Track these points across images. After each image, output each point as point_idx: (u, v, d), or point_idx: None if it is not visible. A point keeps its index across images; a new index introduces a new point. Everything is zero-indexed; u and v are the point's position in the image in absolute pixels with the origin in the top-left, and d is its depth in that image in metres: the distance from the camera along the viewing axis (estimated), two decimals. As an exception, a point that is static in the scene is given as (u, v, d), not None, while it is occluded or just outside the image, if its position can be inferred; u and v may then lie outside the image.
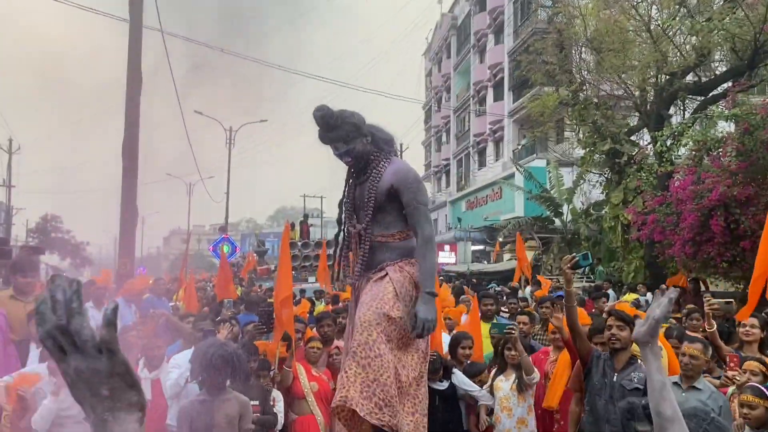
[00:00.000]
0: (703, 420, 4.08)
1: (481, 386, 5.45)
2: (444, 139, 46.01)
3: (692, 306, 7.85)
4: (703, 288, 11.82)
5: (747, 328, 5.08)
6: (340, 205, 3.34)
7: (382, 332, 2.82)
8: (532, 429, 5.23)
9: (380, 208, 3.08)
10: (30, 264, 5.73)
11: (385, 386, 2.73)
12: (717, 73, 16.12)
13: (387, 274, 3.01)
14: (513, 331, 5.17)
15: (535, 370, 5.24)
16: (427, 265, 2.97)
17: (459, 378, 5.46)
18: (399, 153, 32.69)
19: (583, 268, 17.26)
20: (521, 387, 5.20)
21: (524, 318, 6.89)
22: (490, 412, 5.39)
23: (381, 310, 2.86)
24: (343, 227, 3.30)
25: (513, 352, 5.24)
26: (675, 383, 4.27)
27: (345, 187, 3.27)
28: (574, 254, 4.45)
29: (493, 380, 5.39)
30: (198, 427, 3.91)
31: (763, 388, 3.68)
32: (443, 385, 5.38)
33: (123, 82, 11.15)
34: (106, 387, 0.94)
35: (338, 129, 3.02)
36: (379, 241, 3.09)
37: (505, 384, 5.26)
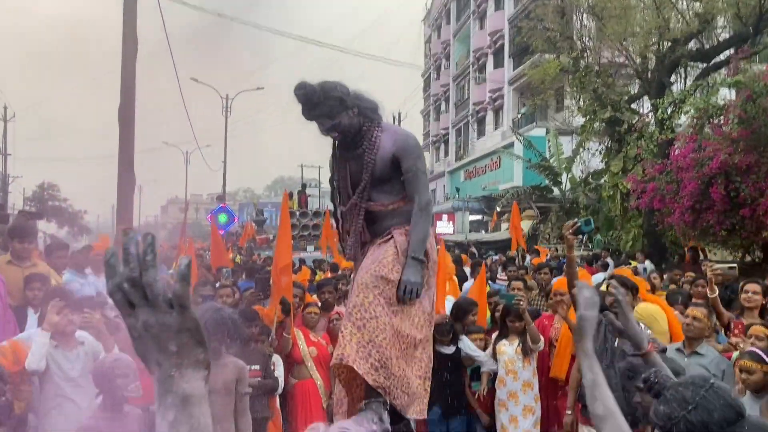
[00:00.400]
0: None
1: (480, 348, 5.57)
2: (443, 107, 45.70)
3: (693, 274, 7.87)
4: (702, 256, 11.86)
5: (749, 294, 5.08)
6: (331, 182, 3.28)
7: (379, 294, 2.80)
8: (536, 392, 5.30)
9: (381, 178, 3.03)
10: (28, 229, 5.68)
11: (381, 347, 2.72)
12: (720, 39, 15.92)
13: (392, 237, 2.99)
14: (521, 303, 5.21)
15: (541, 338, 5.30)
16: (419, 232, 2.94)
17: (465, 343, 5.58)
18: (397, 122, 32.47)
19: (584, 235, 17.27)
20: (526, 351, 5.27)
21: (519, 284, 7.07)
22: (492, 378, 5.48)
23: (379, 272, 2.83)
24: (338, 204, 3.23)
25: (517, 323, 5.30)
26: (678, 349, 4.29)
27: (333, 162, 3.19)
28: (576, 220, 4.41)
29: (495, 344, 5.46)
30: None
31: (761, 353, 3.68)
32: (450, 350, 5.52)
33: (118, 48, 11.01)
34: (174, 342, 0.92)
35: (321, 105, 2.92)
36: (384, 208, 3.06)
37: (509, 348, 5.34)
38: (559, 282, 6.28)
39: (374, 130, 3.02)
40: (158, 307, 0.91)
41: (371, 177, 3.01)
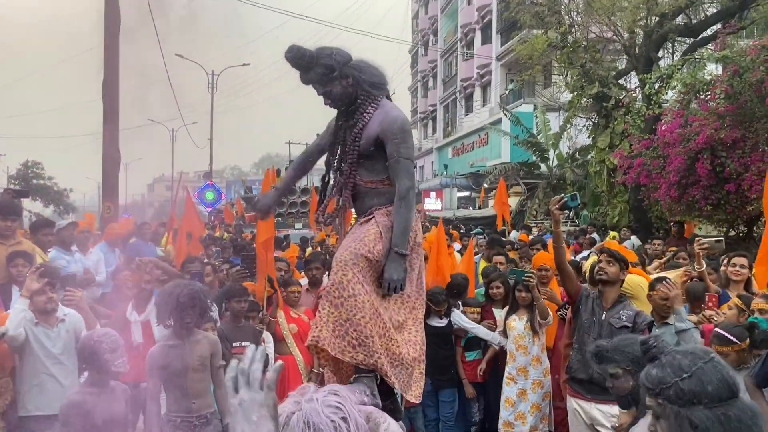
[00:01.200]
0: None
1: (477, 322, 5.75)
2: (431, 84, 45.47)
3: (675, 248, 7.95)
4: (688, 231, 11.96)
5: (737, 268, 5.13)
6: (328, 148, 3.18)
7: (358, 273, 2.73)
8: (546, 366, 5.40)
9: (368, 155, 2.95)
10: (12, 207, 5.61)
11: (359, 326, 2.67)
12: (707, 14, 15.91)
13: (374, 217, 2.92)
14: (531, 279, 5.29)
15: (550, 313, 5.38)
16: (400, 221, 2.84)
17: (457, 316, 5.70)
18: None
19: (571, 210, 17.40)
20: (534, 326, 5.37)
21: (500, 258, 7.28)
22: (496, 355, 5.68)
23: (359, 251, 2.77)
24: (328, 171, 3.17)
25: (524, 294, 5.40)
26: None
27: (335, 129, 3.11)
28: (563, 195, 4.44)
29: (505, 320, 5.58)
30: (173, 371, 3.91)
31: (726, 334, 3.64)
32: (442, 323, 5.66)
33: (101, 23, 10.81)
34: (256, 414, 1.26)
35: (311, 71, 2.86)
36: (368, 186, 2.98)
37: (518, 323, 5.44)
38: (540, 255, 6.38)
39: (368, 106, 2.92)
40: (253, 387, 1.28)
41: (357, 153, 2.96)
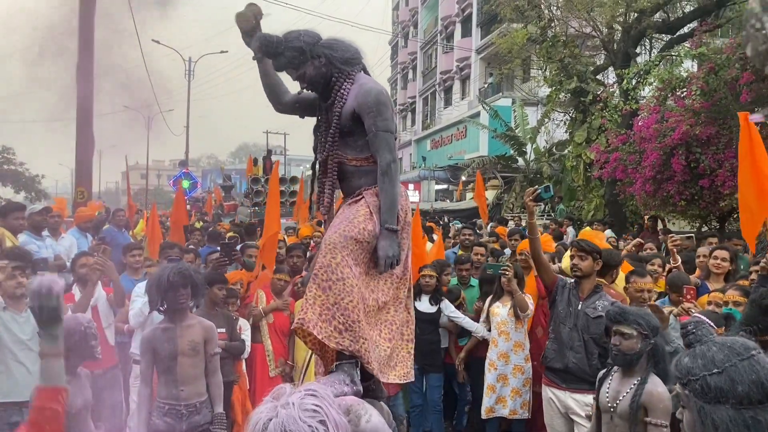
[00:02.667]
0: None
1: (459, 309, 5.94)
2: (410, 76, 45.41)
3: (652, 244, 8.03)
4: (660, 226, 12.12)
5: (718, 261, 5.21)
6: (314, 132, 3.12)
7: (347, 255, 2.68)
8: (527, 353, 5.45)
9: (350, 132, 2.89)
10: None
11: (346, 310, 2.61)
12: (685, 12, 16.09)
13: (363, 198, 2.87)
14: (508, 272, 5.33)
15: (530, 306, 5.43)
16: (385, 198, 2.79)
17: (447, 306, 5.85)
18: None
19: (544, 201, 17.52)
20: (517, 313, 5.42)
21: (480, 249, 7.37)
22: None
23: (348, 233, 2.71)
24: (317, 156, 3.13)
25: (505, 279, 5.43)
26: None
27: (317, 112, 3.08)
28: (536, 187, 4.48)
29: (489, 306, 5.65)
30: (162, 355, 3.84)
31: (702, 318, 3.69)
32: (432, 309, 5.80)
33: (76, 6, 10.58)
34: None
35: (282, 55, 2.82)
36: (354, 165, 2.92)
37: (501, 310, 5.51)
38: (524, 243, 6.44)
39: (344, 82, 2.87)
40: None
41: (337, 130, 2.89)
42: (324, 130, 3.01)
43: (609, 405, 3.28)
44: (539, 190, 4.44)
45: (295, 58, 2.82)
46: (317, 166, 3.09)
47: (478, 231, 10.97)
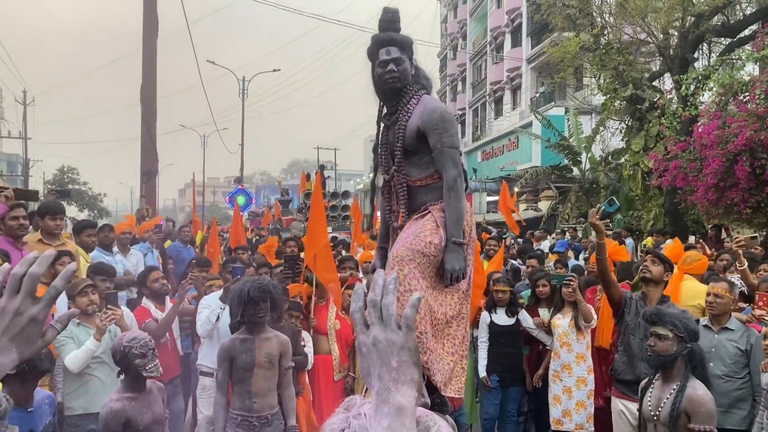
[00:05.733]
0: (734, 363, 4.09)
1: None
2: (459, 88, 45.33)
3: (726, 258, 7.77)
4: (724, 235, 11.73)
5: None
6: (374, 150, 3.18)
7: (415, 268, 2.72)
8: (589, 364, 5.42)
9: (413, 150, 2.94)
10: (58, 207, 5.75)
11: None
12: (745, 14, 15.60)
13: (429, 212, 2.91)
14: (573, 282, 5.35)
15: (594, 316, 5.40)
16: (451, 211, 2.84)
17: (527, 319, 5.92)
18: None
19: (610, 216, 17.16)
20: (579, 324, 5.41)
21: (533, 261, 7.74)
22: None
23: (416, 246, 2.76)
24: (376, 173, 3.15)
25: (569, 289, 5.45)
26: (705, 326, 4.27)
27: (377, 130, 3.12)
28: (599, 205, 4.38)
29: (550, 318, 5.68)
30: (239, 365, 3.93)
31: None
32: (511, 321, 5.88)
33: (139, 30, 11.02)
34: (396, 359, 1.04)
35: (399, 37, 2.95)
36: (419, 184, 2.97)
37: (563, 321, 5.52)
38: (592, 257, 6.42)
39: (411, 98, 2.94)
40: (389, 326, 1.05)
41: (402, 151, 2.94)
42: (385, 150, 3.06)
43: (652, 413, 3.27)
44: (603, 207, 4.31)
45: (407, 45, 2.95)
46: (379, 184, 3.15)
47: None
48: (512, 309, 5.90)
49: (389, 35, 2.94)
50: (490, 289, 6.02)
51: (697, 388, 3.13)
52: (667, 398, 3.19)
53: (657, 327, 3.23)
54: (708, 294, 4.32)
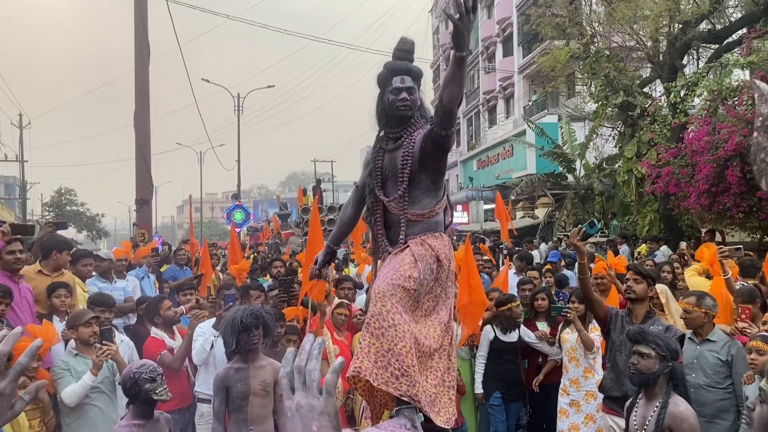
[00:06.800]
0: (714, 373, 4.16)
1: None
2: (453, 97, 45.47)
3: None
4: (719, 239, 11.80)
5: None
6: (370, 175, 3.16)
7: (397, 303, 2.73)
8: (598, 378, 5.40)
9: (416, 184, 2.96)
10: (68, 241, 5.88)
11: (401, 356, 2.65)
12: (732, 20, 15.75)
13: (408, 246, 2.92)
14: (570, 313, 5.43)
15: (596, 344, 5.46)
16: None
17: (527, 333, 6.04)
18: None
19: (592, 235, 17.18)
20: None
21: (534, 273, 7.77)
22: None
23: (395, 281, 2.77)
24: (369, 197, 3.14)
25: (577, 305, 5.56)
26: (689, 338, 4.36)
27: (373, 154, 3.13)
28: (580, 225, 4.44)
29: (560, 333, 5.76)
30: (235, 394, 3.97)
31: None
32: (512, 338, 5.99)
33: (131, 52, 11.12)
34: (315, 423, 1.10)
35: (414, 67, 3.04)
36: (412, 219, 2.97)
37: (571, 336, 5.61)
38: (598, 266, 6.63)
39: (418, 129, 3.00)
40: (311, 391, 1.12)
41: (410, 174, 2.95)
42: (379, 174, 3.09)
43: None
44: (584, 228, 4.37)
45: (418, 77, 3.04)
46: (373, 207, 3.15)
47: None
48: (511, 325, 5.99)
49: (406, 65, 3.02)
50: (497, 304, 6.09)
51: (679, 404, 3.20)
52: (651, 416, 3.25)
53: (640, 345, 3.31)
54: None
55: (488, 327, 6.00)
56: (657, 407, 3.25)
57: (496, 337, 5.95)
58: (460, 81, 2.78)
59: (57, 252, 5.40)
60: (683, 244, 10.52)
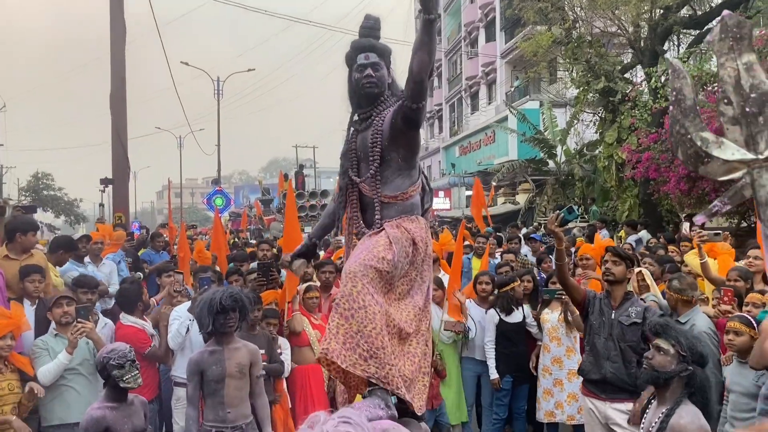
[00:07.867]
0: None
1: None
2: (436, 83, 45.38)
3: (688, 243, 7.92)
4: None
5: (751, 260, 5.13)
6: (342, 157, 3.10)
7: (368, 284, 2.66)
8: (579, 358, 5.42)
9: (382, 159, 2.87)
10: (33, 222, 5.71)
11: (370, 337, 2.60)
12: (712, 5, 15.82)
13: (384, 229, 2.86)
14: (564, 297, 5.33)
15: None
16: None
17: (528, 311, 6.02)
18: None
19: (569, 222, 17.28)
20: (567, 318, 5.51)
21: (510, 256, 7.85)
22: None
23: (368, 262, 2.70)
24: (343, 179, 3.07)
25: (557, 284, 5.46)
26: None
27: (347, 135, 3.05)
28: (558, 211, 4.42)
29: (539, 314, 5.79)
30: (210, 378, 3.92)
31: (749, 318, 3.75)
32: (517, 318, 5.93)
33: (107, 34, 10.88)
34: None
35: (379, 44, 2.93)
36: (385, 201, 2.90)
37: (551, 316, 5.65)
38: (584, 248, 6.67)
39: (390, 106, 2.90)
40: None
41: (380, 153, 2.86)
42: (353, 155, 3.02)
43: None
44: (562, 214, 4.33)
45: (385, 54, 2.93)
46: (348, 188, 3.08)
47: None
48: (515, 304, 5.89)
49: (369, 41, 2.91)
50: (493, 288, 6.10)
51: (682, 416, 2.83)
52: (655, 423, 2.95)
53: (660, 339, 2.96)
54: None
55: (492, 311, 5.90)
56: (662, 414, 2.92)
57: (501, 320, 5.85)
58: (429, 47, 2.66)
59: (21, 234, 5.21)
60: (686, 225, 10.56)
